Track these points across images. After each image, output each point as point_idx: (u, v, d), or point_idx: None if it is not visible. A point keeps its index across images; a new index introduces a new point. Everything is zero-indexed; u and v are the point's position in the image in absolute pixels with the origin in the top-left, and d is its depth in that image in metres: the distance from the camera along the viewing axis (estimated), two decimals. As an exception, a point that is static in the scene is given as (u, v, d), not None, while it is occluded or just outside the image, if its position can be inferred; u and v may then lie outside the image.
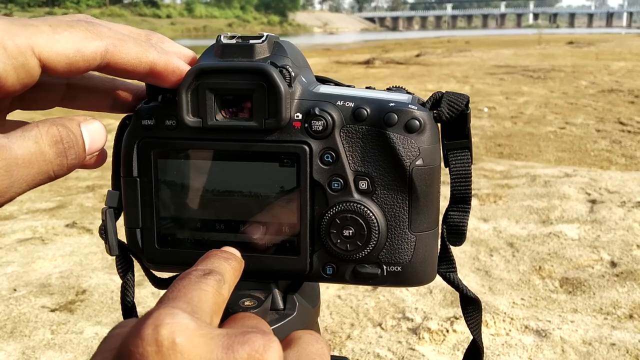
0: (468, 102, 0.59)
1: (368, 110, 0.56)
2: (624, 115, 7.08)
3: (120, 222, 0.63)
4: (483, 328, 2.50)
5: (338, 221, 0.56)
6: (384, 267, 0.58)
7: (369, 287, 2.86)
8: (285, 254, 0.59)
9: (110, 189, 0.63)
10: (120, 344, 0.37)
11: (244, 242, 0.60)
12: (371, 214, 0.56)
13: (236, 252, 0.52)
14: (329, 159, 0.57)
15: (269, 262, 0.59)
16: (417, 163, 0.56)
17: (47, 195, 4.40)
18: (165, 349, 0.35)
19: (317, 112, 0.56)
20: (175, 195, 0.60)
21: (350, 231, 0.57)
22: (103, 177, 4.81)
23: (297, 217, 0.58)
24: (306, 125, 0.56)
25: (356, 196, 0.57)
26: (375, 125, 0.56)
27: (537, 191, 4.16)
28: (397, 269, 0.58)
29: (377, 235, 0.57)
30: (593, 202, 3.93)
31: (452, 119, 0.59)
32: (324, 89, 0.59)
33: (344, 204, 0.57)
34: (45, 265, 3.13)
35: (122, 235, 0.62)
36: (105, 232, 0.60)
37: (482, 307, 0.64)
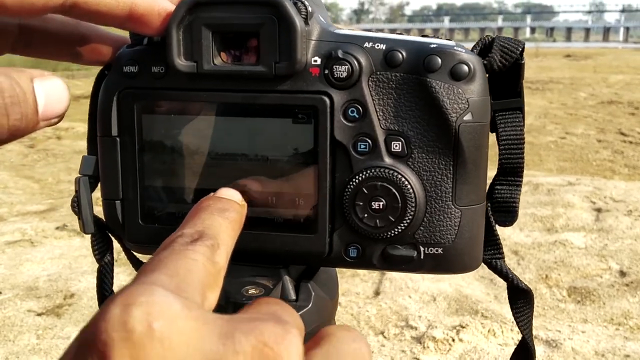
0: (523, 49, 0.49)
1: (403, 53, 0.46)
2: (625, 126, 7.02)
3: (98, 194, 0.52)
4: (490, 337, 2.40)
5: (365, 191, 0.46)
6: (421, 248, 0.48)
7: (370, 293, 2.75)
8: (299, 232, 0.48)
9: (86, 154, 0.52)
10: (81, 331, 0.26)
11: (249, 216, 0.49)
12: (406, 182, 0.46)
13: (234, 195, 0.40)
14: (355, 114, 0.46)
15: (279, 241, 0.49)
16: (465, 118, 0.46)
17: (38, 198, 4.30)
18: (137, 336, 0.24)
19: (340, 55, 0.46)
20: (163, 160, 0.49)
21: (381, 203, 0.46)
22: (96, 179, 4.69)
23: (314, 186, 0.47)
24: (326, 71, 0.46)
25: (387, 160, 0.46)
26: (412, 72, 0.46)
27: (541, 199, 4.07)
28: (437, 250, 0.48)
29: (413, 209, 0.46)
30: (598, 210, 3.84)
31: (505, 69, 0.48)
32: (345, 31, 0.48)
33: (373, 170, 0.46)
34: (34, 267, 3.03)
35: (99, 210, 0.51)
36: (78, 205, 0.50)
37: (534, 301, 0.53)
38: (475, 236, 0.49)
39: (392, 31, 0.62)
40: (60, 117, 0.39)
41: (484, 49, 0.49)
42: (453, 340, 2.36)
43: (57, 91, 0.37)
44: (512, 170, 0.50)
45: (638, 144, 6.21)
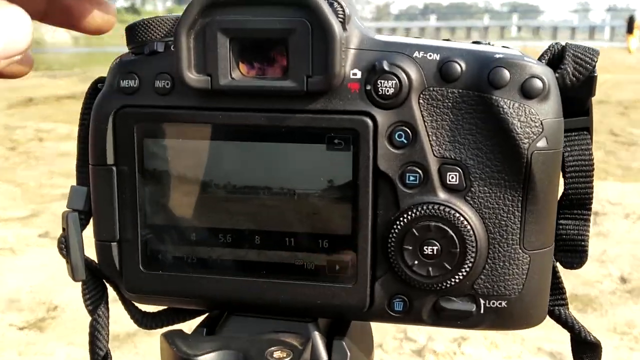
0: (597, 60, 0.41)
1: (462, 64, 0.37)
2: (616, 126, 7.00)
3: (89, 233, 0.44)
4: (493, 350, 2.32)
5: (415, 233, 0.38)
6: (481, 301, 0.40)
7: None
8: (334, 282, 0.40)
9: (75, 183, 0.44)
10: None
11: (271, 262, 0.41)
12: (465, 222, 0.38)
13: None
14: (402, 139, 0.38)
15: (309, 293, 0.40)
16: (538, 145, 0.37)
17: (19, 203, 4.18)
18: None
19: (385, 68, 0.37)
20: (169, 193, 0.40)
21: (434, 248, 0.38)
22: (80, 184, 4.58)
23: (351, 225, 0.39)
24: (368, 87, 0.37)
25: (442, 195, 0.38)
26: (473, 88, 0.37)
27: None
28: (500, 304, 0.40)
29: (473, 255, 0.38)
30: (595, 214, 3.79)
31: (578, 83, 0.40)
32: (388, 37, 0.40)
33: (425, 207, 0.38)
34: (15, 278, 2.91)
35: (91, 251, 0.42)
36: (66, 246, 0.41)
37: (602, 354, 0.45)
38: (544, 285, 0.41)
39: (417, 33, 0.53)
40: (22, 53, 0.30)
41: (553, 59, 0.41)
42: (455, 353, 2.28)
43: (16, 22, 0.28)
44: (579, 202, 0.42)
45: (630, 145, 6.19)
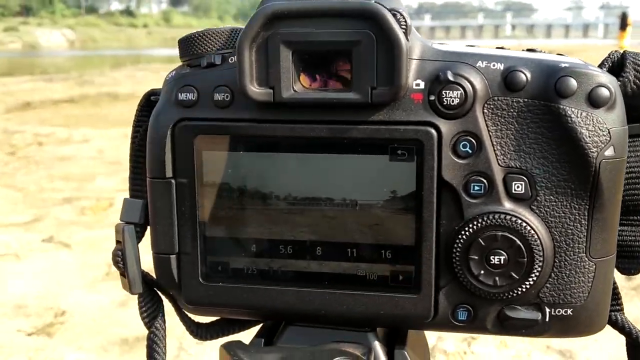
0: None
1: (527, 73, 0.37)
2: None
3: (145, 245, 0.44)
4: (502, 349, 2.33)
5: (482, 242, 0.38)
6: (547, 309, 0.40)
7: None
8: (397, 292, 0.40)
9: (128, 195, 0.44)
10: None
11: (333, 273, 0.41)
12: (532, 231, 0.38)
13: None
14: (467, 149, 0.38)
15: (372, 303, 0.40)
16: (606, 153, 0.37)
17: (20, 208, 4.16)
18: None
19: (450, 78, 0.37)
20: (229, 205, 0.40)
21: (502, 258, 0.38)
22: (81, 188, 4.58)
23: (415, 236, 0.39)
24: (432, 97, 0.37)
25: (507, 204, 0.38)
26: (539, 97, 0.37)
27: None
28: (566, 312, 0.40)
29: (540, 264, 0.38)
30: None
31: (638, 91, 0.40)
32: (448, 47, 0.40)
33: (491, 217, 0.38)
34: (21, 283, 2.89)
35: (146, 264, 0.42)
36: (122, 260, 0.41)
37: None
38: (607, 292, 0.41)
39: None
40: None
41: (613, 67, 0.41)
42: (465, 352, 2.28)
43: None
44: (637, 208, 0.42)
45: None
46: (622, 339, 1.51)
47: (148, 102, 0.43)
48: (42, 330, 2.48)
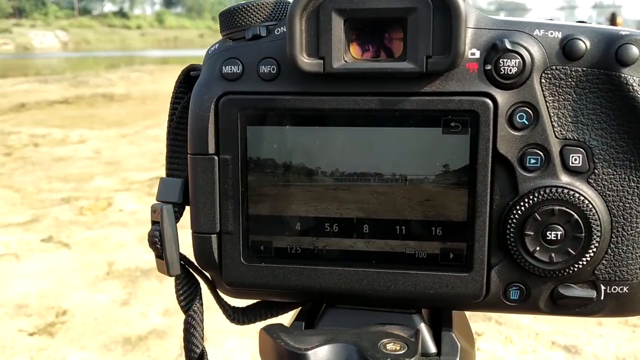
0: None
1: (586, 41, 0.36)
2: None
3: (183, 225, 0.42)
4: (508, 345, 2.32)
5: (538, 217, 0.36)
6: (602, 287, 0.38)
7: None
8: (447, 270, 0.38)
9: (164, 175, 0.42)
10: None
11: (381, 251, 0.39)
12: (590, 205, 0.36)
13: None
14: (524, 120, 0.37)
15: (421, 282, 0.39)
16: None
17: (19, 209, 4.14)
18: None
19: (507, 46, 0.36)
20: (274, 182, 0.39)
21: (558, 233, 0.37)
22: (79, 188, 4.56)
23: (467, 211, 0.38)
24: (488, 67, 0.36)
25: (564, 178, 0.37)
26: (598, 65, 0.36)
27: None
28: (622, 289, 0.39)
29: (598, 239, 0.37)
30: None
31: None
32: (504, 17, 0.39)
33: (547, 191, 0.36)
34: (21, 283, 2.87)
35: (184, 245, 0.41)
36: (160, 241, 0.39)
37: None
38: None
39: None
40: None
41: None
42: (471, 348, 2.28)
43: None
44: None
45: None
46: (622, 337, 1.49)
47: (187, 77, 0.42)
48: (44, 330, 2.46)
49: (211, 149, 0.39)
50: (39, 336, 2.42)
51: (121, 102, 9.02)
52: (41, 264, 3.12)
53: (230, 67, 0.38)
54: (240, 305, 0.46)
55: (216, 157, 0.39)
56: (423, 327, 0.41)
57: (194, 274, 0.43)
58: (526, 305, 0.39)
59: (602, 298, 0.39)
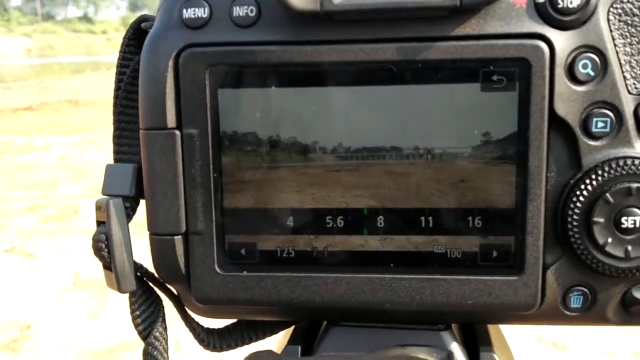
0: None
1: None
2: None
3: (136, 224, 0.32)
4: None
5: (610, 199, 0.27)
6: None
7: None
8: (491, 274, 0.29)
9: (112, 161, 0.33)
10: None
11: (401, 251, 0.30)
12: None
13: None
14: (589, 70, 0.28)
15: (455, 290, 0.29)
16: None
17: (-20, 218, 3.95)
18: None
19: None
20: (257, 164, 0.29)
21: (637, 219, 0.28)
22: (44, 196, 4.40)
23: (515, 195, 0.29)
24: (541, 0, 0.27)
25: (637, 145, 0.28)
26: None
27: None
28: None
29: None
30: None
31: None
32: None
33: (620, 164, 0.28)
34: (-18, 297, 2.72)
35: (141, 252, 0.31)
36: (108, 246, 0.30)
37: None
38: None
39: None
40: None
41: None
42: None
43: None
44: None
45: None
46: (609, 331, 1.43)
47: (138, 31, 0.32)
48: (7, 346, 2.33)
49: (171, 121, 0.29)
50: (1, 352, 2.29)
51: (87, 108, 8.80)
52: (4, 276, 2.97)
53: (194, 11, 0.29)
54: (216, 327, 0.36)
55: (178, 132, 0.29)
56: (456, 348, 0.32)
57: (155, 288, 0.33)
58: (591, 314, 0.30)
59: None
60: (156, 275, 0.33)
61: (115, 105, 0.33)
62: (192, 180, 0.30)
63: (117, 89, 0.33)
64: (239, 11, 0.29)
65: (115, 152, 0.33)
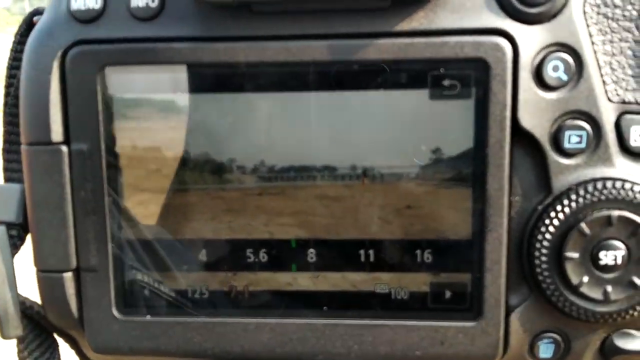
0: None
1: None
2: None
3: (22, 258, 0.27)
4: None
5: (585, 230, 0.23)
6: None
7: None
8: (443, 318, 0.25)
9: None
10: None
11: (336, 291, 0.26)
12: None
13: None
14: (561, 74, 0.23)
15: (401, 339, 0.25)
16: None
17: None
18: None
19: None
20: (161, 186, 0.25)
21: (618, 254, 0.23)
22: None
23: (472, 224, 0.24)
24: None
25: (621, 165, 0.24)
26: None
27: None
28: None
29: None
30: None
31: None
32: None
33: (597, 187, 0.23)
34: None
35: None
36: None
37: None
38: None
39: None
40: None
41: None
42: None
43: None
44: None
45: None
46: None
47: (30, 27, 0.27)
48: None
49: (56, 134, 0.25)
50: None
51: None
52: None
53: (84, 1, 0.24)
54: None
55: (65, 148, 0.25)
56: None
57: (48, 333, 0.28)
58: None
59: None
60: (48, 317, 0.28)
61: (4, 114, 0.28)
62: (82, 206, 0.25)
63: (7, 94, 0.28)
64: (138, 2, 0.24)
65: (4, 170, 0.28)
